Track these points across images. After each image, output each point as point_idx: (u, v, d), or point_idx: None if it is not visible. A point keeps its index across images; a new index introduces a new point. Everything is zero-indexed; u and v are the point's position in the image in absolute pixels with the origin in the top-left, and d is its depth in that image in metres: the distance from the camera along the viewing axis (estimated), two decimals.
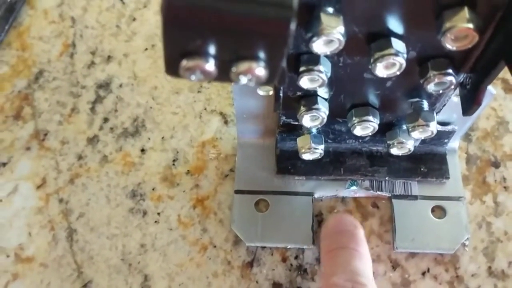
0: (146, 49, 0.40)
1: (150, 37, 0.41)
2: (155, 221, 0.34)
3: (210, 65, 0.17)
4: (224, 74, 0.18)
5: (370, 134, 0.31)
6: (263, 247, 0.34)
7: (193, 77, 0.18)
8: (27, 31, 0.41)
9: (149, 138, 0.37)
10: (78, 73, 0.39)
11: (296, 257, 0.33)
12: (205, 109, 0.38)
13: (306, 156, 0.33)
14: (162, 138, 0.37)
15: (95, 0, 0.43)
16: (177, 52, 0.17)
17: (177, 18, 0.16)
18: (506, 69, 0.24)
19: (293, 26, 0.16)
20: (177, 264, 0.33)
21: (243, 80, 0.18)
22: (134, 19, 0.42)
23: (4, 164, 0.36)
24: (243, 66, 0.17)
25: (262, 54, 0.17)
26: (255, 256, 0.33)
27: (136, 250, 0.34)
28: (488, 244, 0.34)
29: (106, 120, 0.38)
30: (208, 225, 0.34)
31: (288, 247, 0.33)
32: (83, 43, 0.41)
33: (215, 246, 0.34)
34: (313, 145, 0.32)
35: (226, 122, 0.38)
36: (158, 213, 0.35)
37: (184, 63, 0.17)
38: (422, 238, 0.33)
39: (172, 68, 0.18)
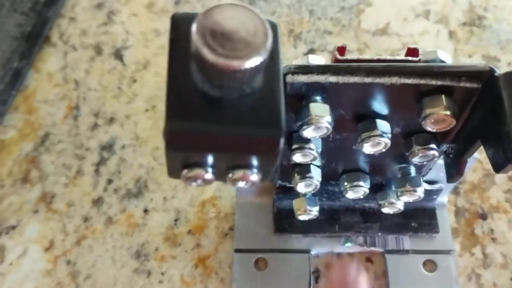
0: (147, 110, 0.42)
1: (151, 98, 0.43)
2: (159, 281, 0.36)
3: (209, 175, 0.19)
4: (221, 179, 0.20)
5: (362, 197, 0.33)
6: None
7: (193, 184, 0.19)
8: (33, 94, 0.43)
9: (151, 199, 0.39)
10: (82, 135, 0.41)
11: None
12: None
13: (302, 217, 0.35)
14: (164, 198, 0.39)
15: (97, 62, 0.45)
16: (178, 164, 0.19)
17: (177, 142, 0.18)
18: None
19: (282, 143, 0.18)
20: None
21: (240, 184, 0.20)
22: (134, 81, 0.44)
23: (13, 227, 0.38)
24: (238, 173, 0.19)
25: (255, 164, 0.19)
26: None
27: None
28: None
29: (110, 181, 0.39)
30: (209, 284, 0.36)
31: None
32: (86, 105, 0.43)
33: None
34: (308, 207, 0.34)
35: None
36: (162, 273, 0.36)
37: (185, 172, 0.19)
38: None
39: (175, 175, 0.19)
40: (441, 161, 0.32)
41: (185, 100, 0.17)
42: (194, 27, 0.17)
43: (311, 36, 0.45)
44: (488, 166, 0.38)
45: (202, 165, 0.19)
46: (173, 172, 0.19)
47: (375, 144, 0.27)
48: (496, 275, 0.36)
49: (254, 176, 0.19)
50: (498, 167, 0.24)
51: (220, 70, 0.16)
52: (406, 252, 0.36)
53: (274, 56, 0.18)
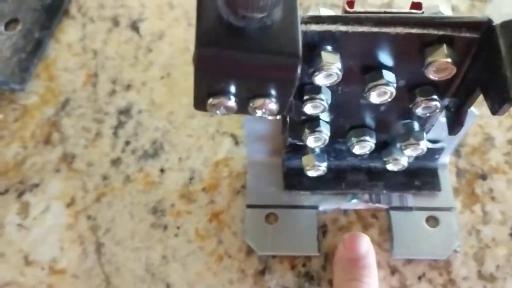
0: (162, 77, 0.44)
1: (166, 66, 0.45)
2: (175, 235, 0.38)
3: (232, 102, 0.21)
4: (243, 108, 0.22)
5: (368, 152, 0.35)
6: (274, 256, 0.37)
7: (217, 112, 0.21)
8: (54, 63, 0.45)
9: (167, 159, 0.41)
10: (101, 101, 0.43)
11: (303, 265, 0.37)
12: (217, 131, 0.42)
13: (311, 173, 0.37)
14: (179, 159, 0.41)
15: (114, 33, 0.47)
16: (205, 92, 0.21)
17: (205, 65, 0.20)
18: None
19: (299, 70, 0.20)
20: (196, 274, 0.37)
21: (259, 113, 0.22)
22: (150, 50, 0.46)
23: (36, 185, 0.40)
24: (259, 102, 0.21)
25: (274, 92, 0.21)
26: (266, 264, 0.37)
27: (158, 261, 0.37)
28: (477, 250, 0.37)
29: (127, 143, 0.42)
30: (223, 237, 0.38)
31: (296, 255, 0.37)
32: (105, 73, 0.45)
33: (230, 256, 0.37)
34: (316, 163, 0.36)
35: (237, 143, 0.41)
36: (178, 227, 0.38)
37: (210, 100, 0.21)
38: (417, 245, 0.37)
39: (200, 104, 0.21)
40: (442, 119, 0.34)
41: (213, 29, 0.19)
42: None
43: None
44: (488, 130, 0.40)
45: (226, 93, 0.21)
46: (200, 101, 0.21)
47: (381, 93, 0.28)
48: (495, 231, 0.38)
49: (273, 105, 0.21)
50: (496, 109, 0.26)
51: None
52: (410, 209, 0.38)
53: None
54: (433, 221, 0.38)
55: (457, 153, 0.40)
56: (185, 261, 0.37)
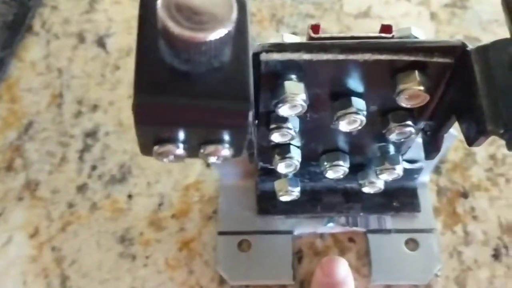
0: (130, 96, 0.42)
1: None
2: (144, 265, 0.36)
3: (180, 150, 0.19)
4: (193, 155, 0.20)
5: (342, 176, 0.33)
6: (247, 286, 0.35)
7: (165, 160, 0.20)
8: (17, 83, 0.43)
9: (135, 184, 0.39)
10: (66, 123, 0.41)
11: None
12: None
13: (284, 198, 0.35)
14: (148, 183, 0.39)
15: (80, 50, 0.45)
16: (150, 140, 0.19)
17: (145, 116, 0.18)
18: None
19: (251, 116, 0.18)
20: None
21: (212, 159, 0.20)
22: (118, 68, 0.44)
23: None
24: (210, 148, 0.19)
25: (226, 138, 0.19)
26: None
27: None
28: (459, 272, 0.36)
29: (94, 168, 0.40)
30: (194, 266, 0.36)
31: (270, 284, 0.35)
32: (70, 93, 0.43)
33: (201, 287, 0.35)
34: (289, 188, 0.34)
35: (208, 165, 0.40)
36: (147, 257, 0.36)
37: (156, 148, 0.19)
38: (397, 270, 0.35)
39: (146, 151, 0.20)
40: (420, 140, 0.33)
41: (154, 74, 0.17)
42: (159, 1, 0.17)
43: (293, 20, 0.45)
44: None
45: (173, 140, 0.19)
46: (145, 148, 0.19)
47: (351, 121, 0.27)
48: (477, 252, 0.36)
49: (226, 151, 0.19)
50: (471, 140, 0.24)
51: (186, 43, 0.16)
52: (388, 231, 0.37)
53: (241, 29, 0.18)
54: (413, 243, 0.36)
55: (437, 170, 0.39)
56: None
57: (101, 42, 0.45)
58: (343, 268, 0.32)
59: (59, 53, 0.44)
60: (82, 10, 0.47)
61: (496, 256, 0.36)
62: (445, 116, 0.27)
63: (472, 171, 0.39)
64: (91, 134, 0.41)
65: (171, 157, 0.20)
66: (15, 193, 0.39)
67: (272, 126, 0.28)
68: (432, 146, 0.29)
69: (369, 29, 0.44)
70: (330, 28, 0.44)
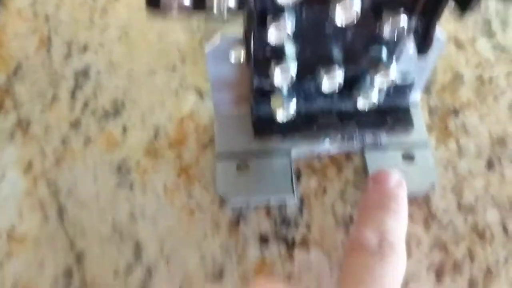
0: (120, 37, 0.42)
1: (123, 27, 0.43)
2: (142, 192, 0.36)
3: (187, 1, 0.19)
4: (199, 4, 0.20)
5: (337, 88, 0.34)
6: (248, 206, 0.35)
7: (173, 13, 0.20)
8: (3, 29, 0.43)
9: (129, 118, 0.39)
10: (56, 64, 0.41)
11: (279, 211, 0.35)
12: (181, 86, 0.40)
13: (280, 114, 0.35)
14: (142, 116, 0.39)
15: None
16: None
17: None
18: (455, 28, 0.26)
19: None
20: (167, 230, 0.35)
21: (215, 6, 0.20)
22: (106, 12, 0.44)
23: None
24: None
25: None
26: (240, 215, 0.35)
27: (126, 220, 0.35)
28: (455, 183, 0.36)
29: (86, 104, 0.39)
30: (193, 191, 0.36)
31: (271, 201, 0.35)
32: (59, 37, 0.42)
33: (202, 210, 0.35)
34: (285, 103, 0.34)
35: (202, 97, 0.40)
36: (145, 185, 0.36)
37: None
38: None
39: (153, 3, 0.20)
40: (411, 51, 0.33)
41: None
42: None
43: None
44: (456, 68, 0.39)
45: None
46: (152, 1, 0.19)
47: (347, 7, 0.27)
48: (471, 164, 0.37)
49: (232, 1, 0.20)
50: (464, 8, 0.25)
51: None
52: (384, 147, 0.37)
53: None
54: (408, 158, 0.37)
55: (427, 91, 0.40)
56: (155, 218, 0.35)
57: None
58: (394, 175, 0.31)
59: (46, 0, 0.44)
60: None
61: (490, 166, 0.37)
62: (436, 4, 0.28)
63: (461, 91, 0.40)
64: (82, 73, 0.41)
65: (175, 11, 0.20)
66: (6, 132, 0.38)
67: (269, 19, 0.28)
68: (425, 38, 0.30)
69: None
70: None
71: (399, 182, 0.30)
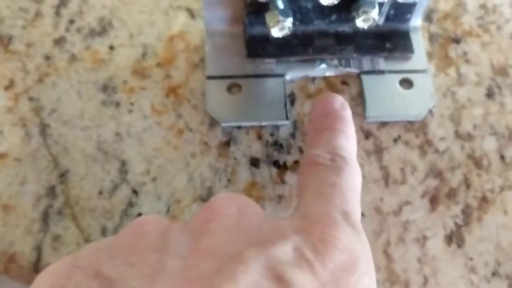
0: None
1: None
2: (129, 111, 0.34)
3: None
4: None
5: (336, 1, 0.32)
6: (239, 127, 0.34)
7: None
8: None
9: (117, 36, 0.37)
10: None
11: (271, 134, 0.34)
12: (171, 6, 0.38)
13: (275, 32, 0.33)
14: (130, 35, 0.37)
15: None
16: None
17: None
18: None
19: None
20: (154, 149, 0.33)
21: None
22: None
23: None
24: None
25: None
26: (231, 136, 0.34)
27: (112, 138, 0.34)
28: (453, 110, 0.35)
29: (72, 22, 0.37)
30: (182, 111, 0.34)
31: (263, 124, 0.34)
32: None
33: (191, 130, 0.34)
34: (281, 18, 0.33)
35: (193, 17, 0.38)
36: (131, 103, 0.35)
37: None
38: (391, 108, 0.34)
39: None
40: None
41: None
42: None
43: None
44: None
45: None
46: None
47: None
48: (470, 92, 0.36)
49: None
50: None
51: None
52: (382, 72, 0.36)
53: None
54: (406, 83, 0.35)
55: (428, 18, 0.38)
56: (141, 137, 0.34)
57: None
58: (338, 99, 0.31)
59: None
60: None
61: (490, 95, 0.36)
62: None
63: (463, 19, 0.38)
64: None
65: None
66: None
67: None
68: None
69: None
70: None
71: (343, 104, 0.30)
